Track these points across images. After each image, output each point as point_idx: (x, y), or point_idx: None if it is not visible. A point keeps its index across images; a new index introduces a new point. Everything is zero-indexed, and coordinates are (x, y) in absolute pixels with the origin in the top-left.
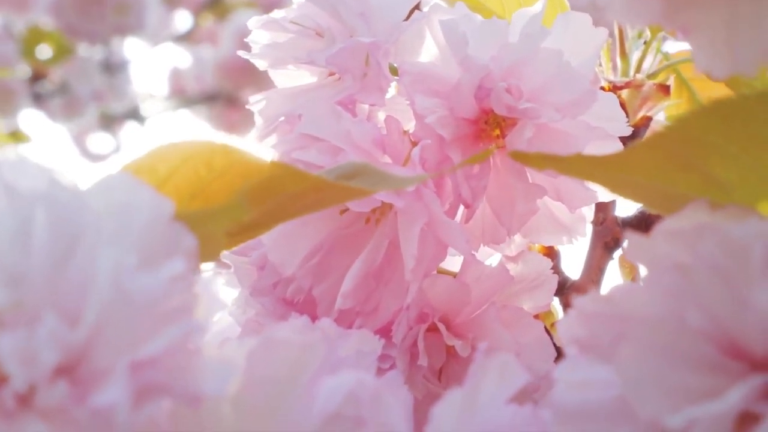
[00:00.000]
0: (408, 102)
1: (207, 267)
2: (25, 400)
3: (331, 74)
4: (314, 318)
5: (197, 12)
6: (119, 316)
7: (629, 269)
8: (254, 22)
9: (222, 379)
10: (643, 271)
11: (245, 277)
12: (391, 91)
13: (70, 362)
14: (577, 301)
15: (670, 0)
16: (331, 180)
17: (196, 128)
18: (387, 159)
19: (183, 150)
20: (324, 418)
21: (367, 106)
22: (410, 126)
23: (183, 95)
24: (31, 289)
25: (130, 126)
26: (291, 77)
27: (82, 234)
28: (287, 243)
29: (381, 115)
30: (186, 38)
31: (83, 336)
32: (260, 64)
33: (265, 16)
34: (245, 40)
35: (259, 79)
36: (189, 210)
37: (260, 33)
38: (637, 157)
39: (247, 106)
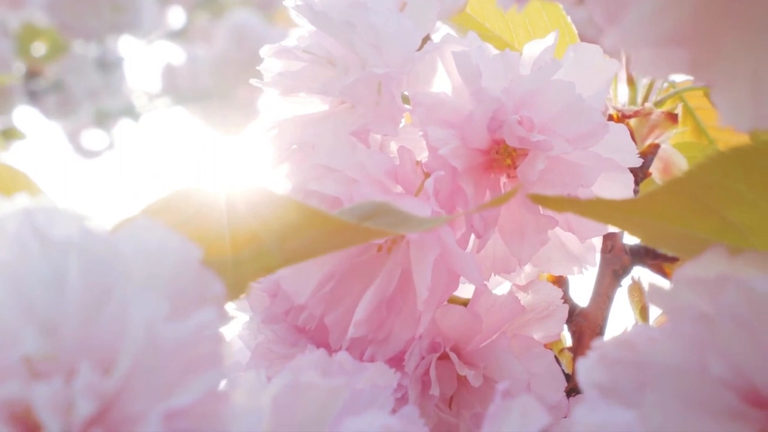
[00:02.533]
0: (420, 132)
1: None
2: None
3: (343, 103)
4: (325, 345)
5: (191, 9)
6: (151, 365)
7: (638, 298)
8: (266, 50)
9: (251, 425)
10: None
11: (257, 303)
12: (403, 120)
13: (102, 410)
14: (597, 344)
15: (697, 54)
16: (353, 222)
17: (190, 125)
18: (399, 189)
19: (205, 193)
20: None
21: (379, 136)
22: (423, 156)
23: (177, 93)
24: (65, 338)
25: (124, 123)
26: (302, 104)
27: (114, 282)
28: (300, 271)
29: (393, 145)
30: (180, 36)
31: (116, 384)
32: (272, 92)
33: (276, 45)
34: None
35: (253, 78)
36: (215, 254)
37: (272, 61)
38: (656, 201)
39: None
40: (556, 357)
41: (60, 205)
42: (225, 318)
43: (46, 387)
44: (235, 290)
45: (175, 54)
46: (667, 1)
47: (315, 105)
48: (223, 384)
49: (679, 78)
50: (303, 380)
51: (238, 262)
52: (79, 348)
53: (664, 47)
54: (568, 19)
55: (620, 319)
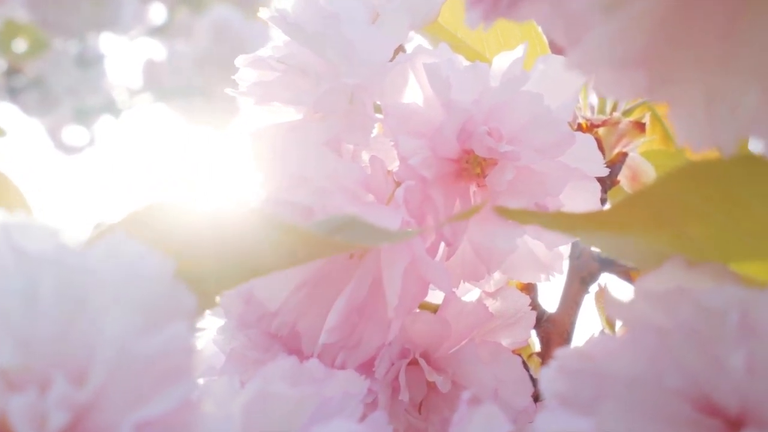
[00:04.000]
0: (392, 142)
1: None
2: None
3: (317, 111)
4: (298, 350)
5: (172, 5)
6: (123, 377)
7: (604, 304)
8: (241, 60)
9: None
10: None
11: (231, 308)
12: (375, 130)
13: (74, 421)
14: (559, 354)
15: (654, 76)
16: (323, 235)
17: (171, 121)
18: (371, 198)
19: (177, 206)
20: None
21: (351, 146)
22: (394, 165)
23: (158, 88)
24: (39, 350)
25: (105, 119)
26: (277, 113)
27: (87, 296)
28: (272, 279)
29: (365, 155)
30: (161, 31)
31: (89, 396)
32: (246, 102)
33: (251, 55)
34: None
35: (233, 74)
36: (188, 267)
37: (247, 71)
38: (616, 214)
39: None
40: (524, 362)
41: (35, 219)
42: (196, 331)
43: (21, 398)
44: (204, 303)
45: (156, 50)
46: (625, 25)
47: (289, 114)
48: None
49: None
50: (272, 389)
51: (209, 276)
52: (53, 360)
53: (622, 70)
54: (540, 30)
55: (588, 324)
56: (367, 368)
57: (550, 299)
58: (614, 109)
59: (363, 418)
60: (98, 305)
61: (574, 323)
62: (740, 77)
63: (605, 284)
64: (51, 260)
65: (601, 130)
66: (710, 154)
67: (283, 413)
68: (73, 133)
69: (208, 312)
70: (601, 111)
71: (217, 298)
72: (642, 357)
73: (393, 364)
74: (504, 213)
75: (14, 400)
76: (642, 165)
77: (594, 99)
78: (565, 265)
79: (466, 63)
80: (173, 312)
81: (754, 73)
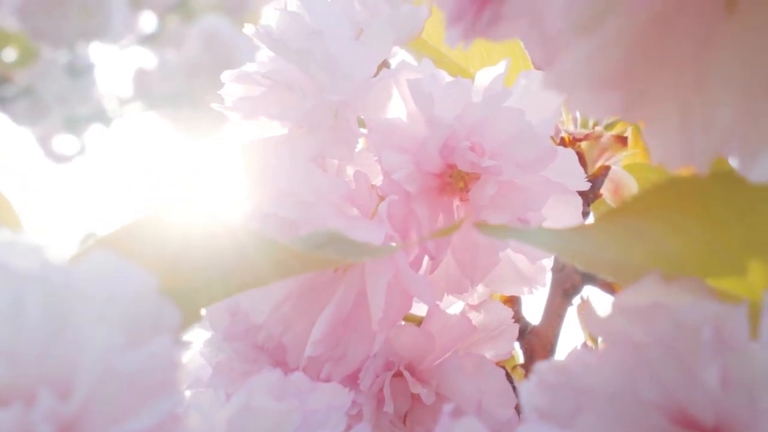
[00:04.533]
0: (376, 157)
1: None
2: None
3: (302, 126)
4: (284, 363)
5: (163, 14)
6: (108, 392)
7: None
8: (228, 75)
9: None
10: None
11: (218, 321)
12: (360, 143)
13: None
14: (538, 367)
15: (628, 96)
16: (306, 251)
17: (161, 130)
18: (355, 212)
19: (161, 223)
20: None
21: (336, 161)
22: (378, 180)
23: (148, 97)
24: (25, 365)
25: (95, 128)
26: (263, 128)
27: (72, 313)
28: (258, 292)
29: (350, 169)
30: (151, 40)
31: (74, 410)
32: (233, 116)
33: (237, 70)
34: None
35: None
36: (171, 283)
37: (233, 86)
38: (594, 230)
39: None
40: (508, 374)
41: (20, 236)
42: (181, 346)
43: (7, 413)
44: (189, 318)
45: (147, 59)
46: (600, 47)
47: (275, 128)
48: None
49: None
50: (256, 403)
51: (193, 291)
52: (38, 376)
53: (598, 89)
54: (522, 45)
55: (571, 336)
56: (352, 380)
57: (533, 312)
58: (597, 123)
59: (347, 430)
60: (82, 321)
61: (558, 335)
62: (713, 95)
63: (588, 297)
64: (36, 277)
65: (583, 144)
66: (689, 169)
67: (267, 427)
68: (63, 142)
69: (195, 325)
70: (584, 125)
71: (202, 312)
72: (620, 371)
73: (378, 376)
74: (484, 229)
75: (0, 415)
76: (624, 178)
77: (577, 113)
78: (548, 277)
79: (449, 78)
80: (157, 327)
81: (726, 91)
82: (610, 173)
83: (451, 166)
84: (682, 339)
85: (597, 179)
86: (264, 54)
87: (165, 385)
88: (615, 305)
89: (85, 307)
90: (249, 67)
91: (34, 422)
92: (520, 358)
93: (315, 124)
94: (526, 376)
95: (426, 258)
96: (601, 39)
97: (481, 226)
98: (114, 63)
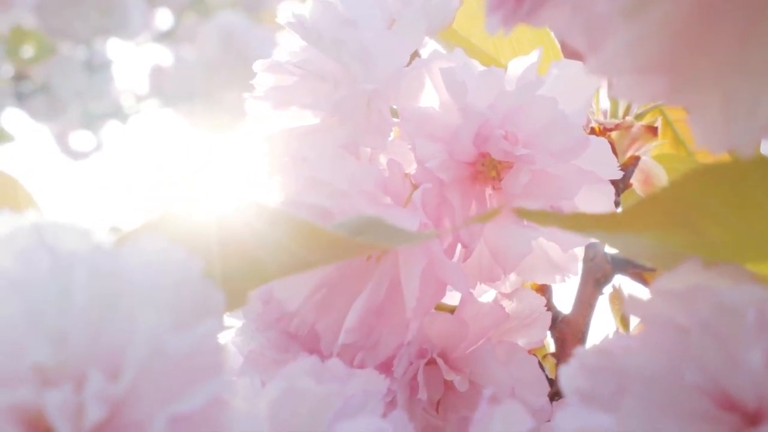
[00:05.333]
0: (409, 146)
1: None
2: None
3: (334, 116)
4: (316, 351)
5: (179, 11)
6: (157, 372)
7: (618, 306)
8: (259, 64)
9: (251, 429)
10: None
11: (250, 310)
12: (392, 134)
13: (110, 415)
14: (578, 351)
15: (673, 81)
16: (345, 237)
17: (177, 127)
18: (389, 200)
19: (198, 209)
20: None
21: (369, 150)
22: (411, 168)
23: (165, 94)
24: (74, 347)
25: (112, 125)
26: (294, 118)
27: (120, 294)
28: (292, 280)
29: (383, 158)
30: (168, 37)
31: (124, 391)
32: (263, 106)
33: (269, 60)
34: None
35: (240, 79)
36: (215, 266)
37: (265, 75)
38: (633, 216)
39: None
40: (539, 362)
41: (67, 220)
42: (224, 328)
43: (58, 393)
44: (231, 302)
45: (163, 56)
46: (646, 32)
47: (306, 118)
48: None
49: None
50: (299, 386)
51: (232, 276)
52: (88, 356)
53: (642, 74)
54: (552, 35)
55: (602, 325)
56: (385, 368)
57: (564, 301)
58: (626, 113)
59: (383, 417)
60: (130, 304)
61: (589, 324)
62: (758, 79)
63: (619, 286)
64: (85, 260)
65: (613, 134)
66: (724, 156)
67: (309, 409)
68: (80, 139)
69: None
70: (614, 115)
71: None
72: (661, 354)
73: (411, 364)
74: (523, 214)
75: (51, 395)
76: (654, 168)
77: (606, 103)
78: (580, 267)
79: (481, 68)
80: (203, 310)
81: None
82: (640, 163)
83: (484, 155)
84: (724, 321)
85: (627, 169)
86: (285, 44)
87: (212, 368)
88: (655, 289)
89: (132, 290)
90: (281, 57)
91: (84, 402)
92: (551, 347)
93: (347, 114)
94: (557, 365)
95: (459, 247)
96: (646, 24)
97: (520, 211)
98: (131, 60)
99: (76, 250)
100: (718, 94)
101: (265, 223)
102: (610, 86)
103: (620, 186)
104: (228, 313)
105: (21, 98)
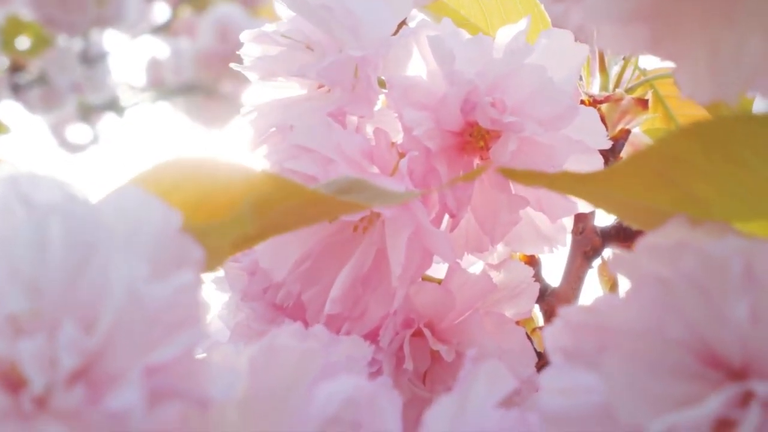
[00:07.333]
0: (396, 114)
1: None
2: (41, 403)
3: (321, 87)
4: (303, 321)
5: (175, 3)
6: (132, 323)
7: (608, 278)
8: (246, 35)
9: (229, 384)
10: (623, 282)
11: (236, 281)
12: (379, 103)
13: (84, 366)
14: (563, 311)
15: (656, 31)
16: (328, 195)
17: (174, 119)
18: (375, 169)
19: (187, 164)
20: (323, 421)
21: (356, 118)
22: (398, 137)
23: (161, 87)
24: (49, 296)
25: (108, 117)
26: (281, 89)
27: (96, 244)
28: (278, 250)
29: (369, 127)
30: (164, 29)
31: (98, 341)
32: (251, 76)
33: (256, 30)
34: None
35: (237, 71)
36: (195, 222)
37: (252, 46)
38: (620, 174)
39: (224, 97)
40: (527, 335)
41: (43, 172)
42: (202, 282)
43: (31, 343)
44: (212, 259)
45: (160, 48)
46: None
47: (294, 89)
48: (201, 347)
49: (650, 66)
50: (278, 342)
51: (215, 230)
52: (62, 306)
53: (626, 24)
54: (542, 6)
55: (591, 298)
56: (372, 339)
57: (553, 274)
58: (617, 86)
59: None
60: (106, 252)
61: (578, 298)
62: (742, 29)
63: (608, 258)
64: (60, 209)
65: (604, 107)
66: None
67: (290, 365)
68: (76, 131)
69: (213, 287)
70: (604, 89)
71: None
72: (645, 309)
73: (397, 334)
74: (508, 173)
75: (24, 345)
76: (645, 142)
77: (597, 78)
78: (568, 239)
79: (469, 36)
80: (180, 261)
81: (756, 24)
82: (630, 137)
83: (472, 124)
84: (709, 275)
85: (617, 143)
86: (283, 14)
87: (188, 318)
88: (640, 245)
89: (108, 239)
90: (268, 27)
91: (57, 352)
92: (540, 321)
93: (334, 82)
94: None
95: (446, 217)
96: None
97: (505, 170)
98: (127, 52)
99: (51, 201)
100: (702, 43)
101: (247, 182)
102: (594, 37)
103: (611, 159)
104: (213, 285)
105: (17, 90)
